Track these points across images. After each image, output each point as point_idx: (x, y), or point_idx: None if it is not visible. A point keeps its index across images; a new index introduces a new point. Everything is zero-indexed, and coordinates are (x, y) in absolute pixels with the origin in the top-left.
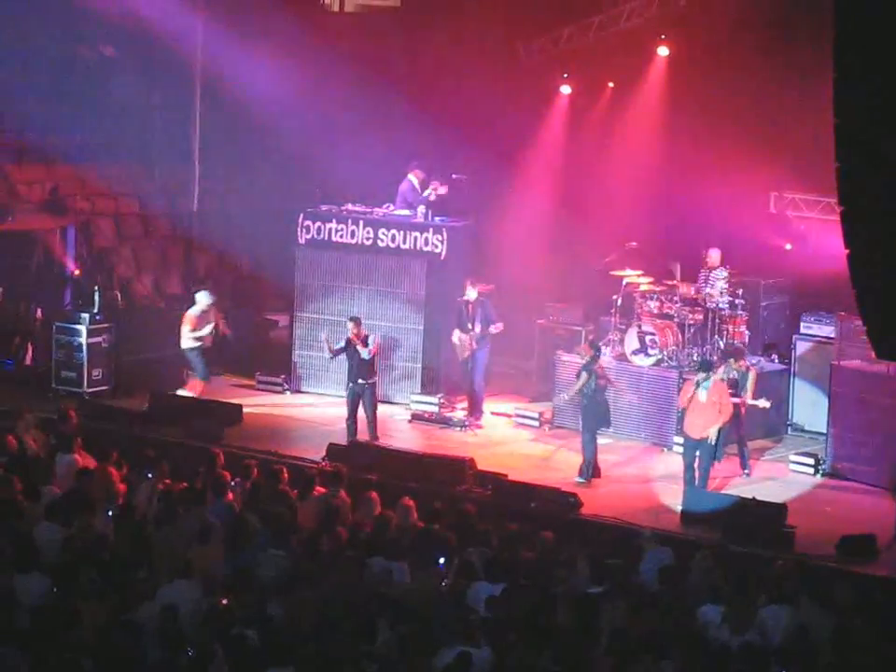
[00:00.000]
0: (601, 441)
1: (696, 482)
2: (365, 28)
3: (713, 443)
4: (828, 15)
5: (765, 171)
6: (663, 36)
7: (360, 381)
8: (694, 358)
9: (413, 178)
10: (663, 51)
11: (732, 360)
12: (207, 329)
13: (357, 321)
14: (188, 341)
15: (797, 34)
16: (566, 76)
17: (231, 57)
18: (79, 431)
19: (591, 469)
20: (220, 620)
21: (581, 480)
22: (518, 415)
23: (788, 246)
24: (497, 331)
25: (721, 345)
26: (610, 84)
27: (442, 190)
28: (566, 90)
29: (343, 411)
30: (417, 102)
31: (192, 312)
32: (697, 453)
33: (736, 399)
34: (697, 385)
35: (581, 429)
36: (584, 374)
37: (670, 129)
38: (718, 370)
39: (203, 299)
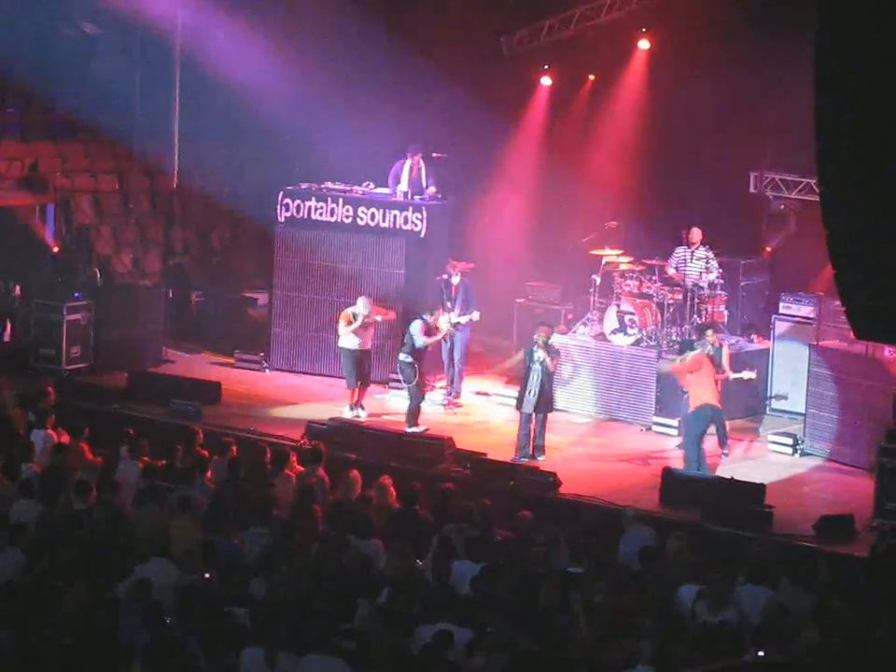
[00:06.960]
0: (581, 420)
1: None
2: (349, 8)
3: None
4: None
5: (746, 151)
6: (643, 30)
7: None
8: (674, 338)
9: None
10: (644, 45)
11: (709, 332)
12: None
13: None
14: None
15: (777, 16)
16: (546, 67)
17: (211, 35)
18: (54, 408)
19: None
20: (199, 597)
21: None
22: (497, 394)
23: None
24: (476, 320)
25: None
26: (591, 77)
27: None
28: (546, 81)
29: (323, 389)
30: (399, 82)
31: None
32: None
33: (719, 377)
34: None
35: (537, 412)
36: (536, 354)
37: (651, 112)
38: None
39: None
